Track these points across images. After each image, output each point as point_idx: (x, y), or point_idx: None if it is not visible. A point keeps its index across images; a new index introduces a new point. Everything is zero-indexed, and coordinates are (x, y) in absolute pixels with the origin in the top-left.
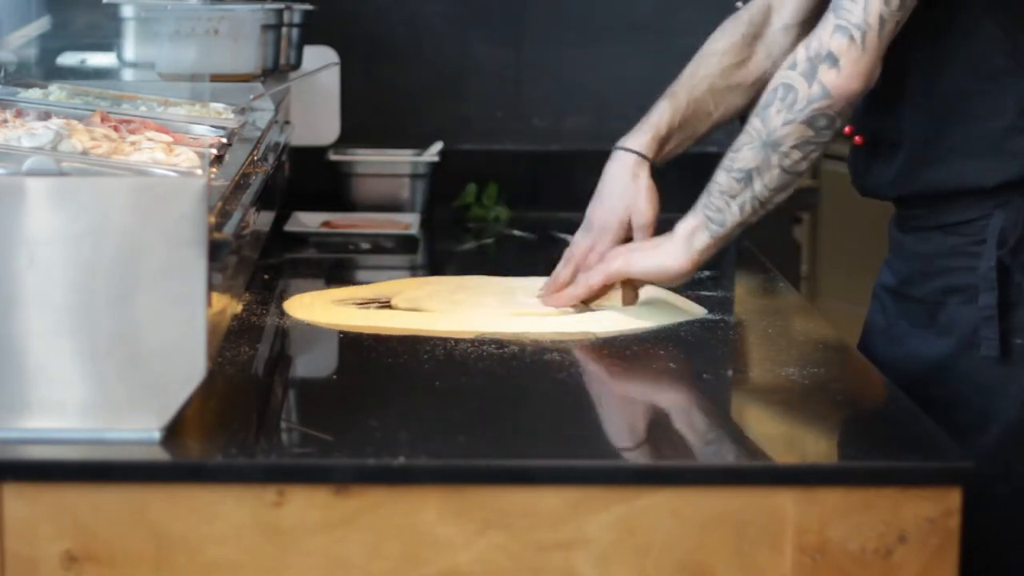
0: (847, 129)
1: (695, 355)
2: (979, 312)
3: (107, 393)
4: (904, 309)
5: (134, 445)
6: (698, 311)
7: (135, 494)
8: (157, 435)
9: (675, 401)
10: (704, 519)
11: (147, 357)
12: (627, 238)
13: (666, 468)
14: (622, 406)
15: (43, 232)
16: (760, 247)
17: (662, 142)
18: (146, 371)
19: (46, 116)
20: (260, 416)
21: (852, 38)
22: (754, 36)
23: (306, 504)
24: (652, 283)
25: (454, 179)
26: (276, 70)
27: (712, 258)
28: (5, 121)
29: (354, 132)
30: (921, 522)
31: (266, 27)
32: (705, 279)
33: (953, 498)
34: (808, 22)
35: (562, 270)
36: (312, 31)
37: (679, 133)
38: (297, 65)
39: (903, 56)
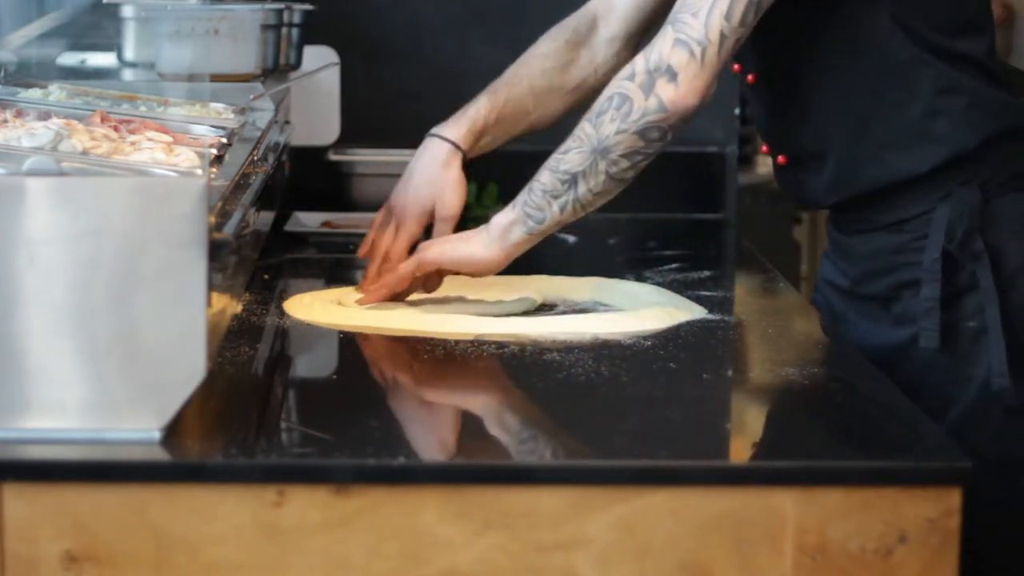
0: (764, 148)
1: (695, 355)
2: (922, 303)
3: (107, 393)
4: (855, 306)
5: (134, 445)
6: (698, 311)
7: (135, 494)
8: (157, 435)
9: (675, 401)
10: (704, 519)
11: (147, 357)
12: (427, 227)
13: (666, 468)
14: (622, 406)
15: (43, 232)
16: (760, 247)
17: (477, 136)
18: (146, 371)
19: (46, 116)
20: (260, 416)
21: (692, 53)
22: (577, 43)
23: (306, 504)
24: (463, 273)
25: None
26: (276, 70)
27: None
28: (5, 121)
29: (354, 132)
30: (921, 522)
31: (266, 27)
32: (705, 279)
33: (953, 498)
34: (632, 37)
35: (371, 267)
36: (312, 31)
37: (495, 129)
38: (297, 65)
39: (811, 71)
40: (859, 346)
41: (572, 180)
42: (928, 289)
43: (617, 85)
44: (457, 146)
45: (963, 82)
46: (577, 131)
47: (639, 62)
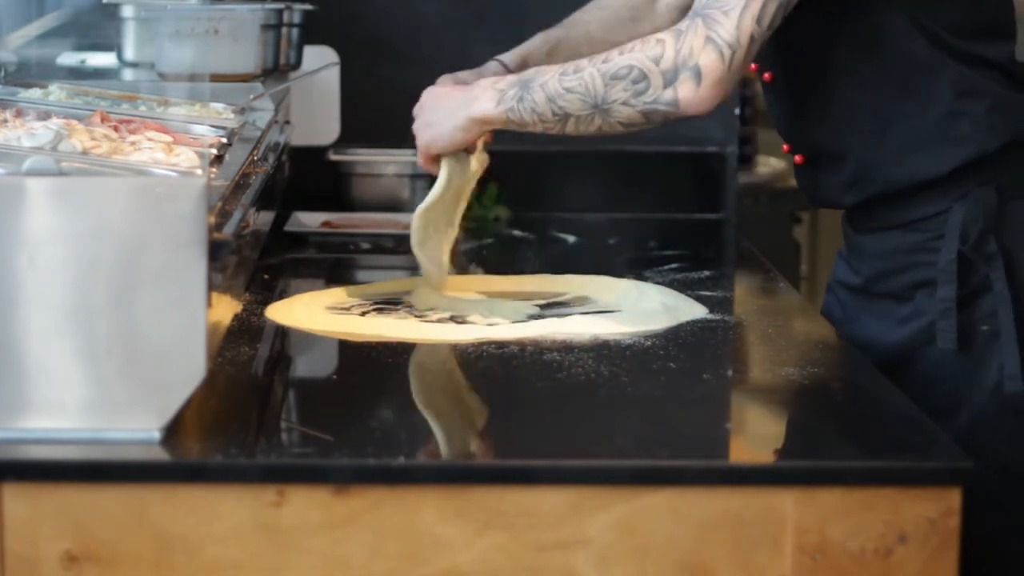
0: (785, 147)
1: (695, 355)
2: (938, 304)
3: (107, 393)
4: (868, 305)
5: (134, 445)
6: (698, 311)
7: (135, 494)
8: (157, 435)
9: (675, 401)
10: (704, 519)
11: (147, 357)
12: None
13: (666, 468)
14: (622, 406)
15: (43, 232)
16: (760, 247)
17: (524, 61)
18: (146, 371)
19: (46, 116)
20: (260, 416)
21: (722, 56)
22: (636, 19)
23: (306, 504)
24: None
25: None
26: (276, 70)
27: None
28: (5, 121)
29: (354, 132)
30: (921, 522)
31: (266, 27)
32: (705, 279)
33: (953, 498)
34: (690, 5)
35: None
36: (312, 31)
37: (545, 61)
38: (297, 65)
39: (830, 70)
40: (870, 345)
41: (564, 118)
42: (944, 289)
43: (641, 59)
44: (506, 66)
45: (984, 85)
46: (587, 76)
47: (669, 48)
